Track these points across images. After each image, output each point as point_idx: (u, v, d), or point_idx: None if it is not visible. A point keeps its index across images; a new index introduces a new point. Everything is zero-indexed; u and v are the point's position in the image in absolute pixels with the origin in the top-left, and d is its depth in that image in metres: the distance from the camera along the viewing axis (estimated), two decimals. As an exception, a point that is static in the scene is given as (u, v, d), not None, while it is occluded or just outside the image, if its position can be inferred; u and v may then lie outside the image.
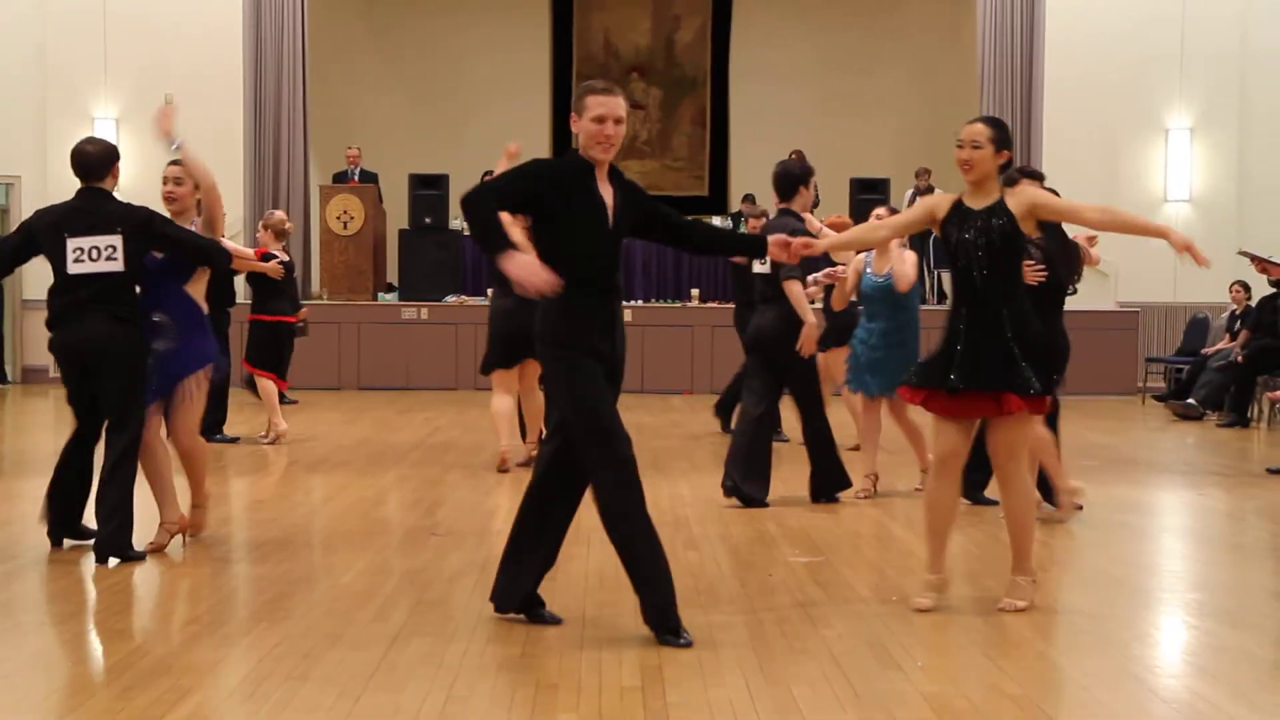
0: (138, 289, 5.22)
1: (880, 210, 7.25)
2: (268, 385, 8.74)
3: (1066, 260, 6.15)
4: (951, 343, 4.33)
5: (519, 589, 4.19)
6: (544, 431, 7.35)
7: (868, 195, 14.12)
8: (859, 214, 13.82)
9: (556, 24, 16.99)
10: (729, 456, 6.51)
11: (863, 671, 3.75)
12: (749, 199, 14.87)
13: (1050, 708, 3.47)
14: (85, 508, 5.31)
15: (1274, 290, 10.79)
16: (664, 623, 3.97)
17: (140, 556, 5.09)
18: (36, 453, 8.26)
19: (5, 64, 13.54)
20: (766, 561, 5.25)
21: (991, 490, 6.20)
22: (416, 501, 6.64)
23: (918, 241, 11.70)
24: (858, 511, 6.38)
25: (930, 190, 13.70)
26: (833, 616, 4.36)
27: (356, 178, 14.31)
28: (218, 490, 6.96)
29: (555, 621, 4.19)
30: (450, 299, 13.57)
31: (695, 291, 13.67)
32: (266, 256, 8.58)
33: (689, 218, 4.53)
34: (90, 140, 5.37)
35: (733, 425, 8.69)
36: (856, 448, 8.29)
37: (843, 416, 8.09)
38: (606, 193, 4.04)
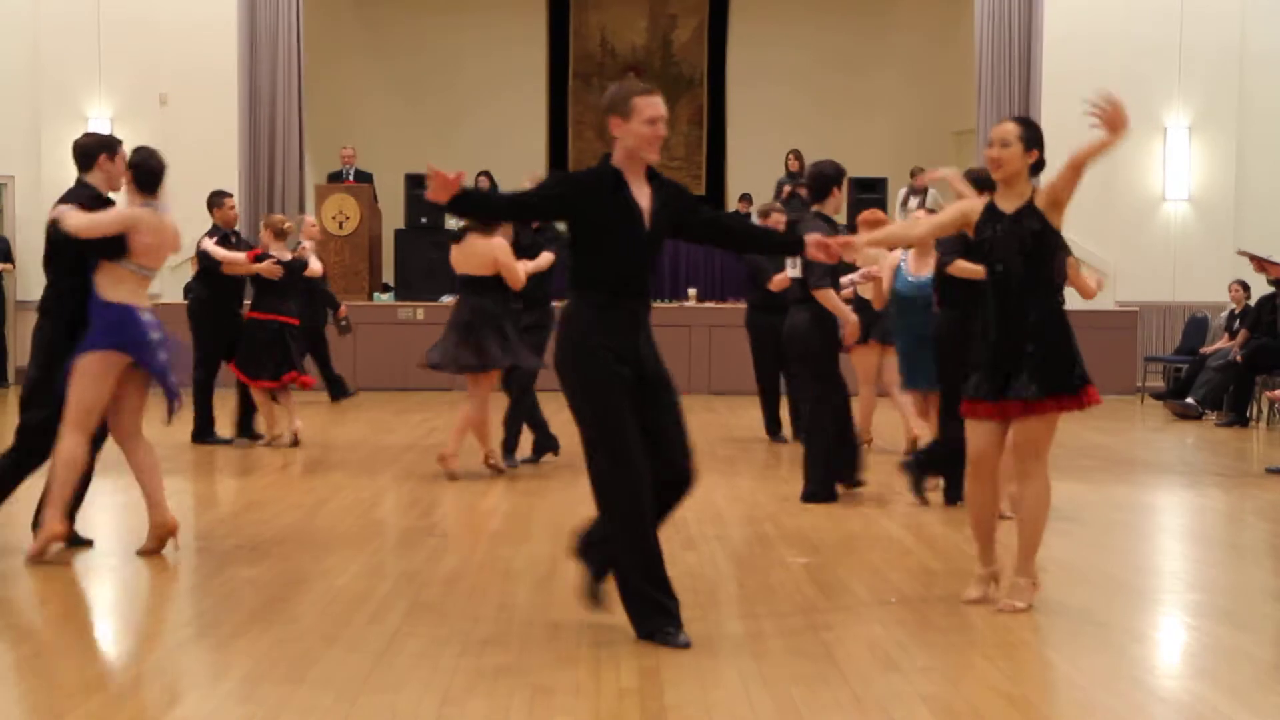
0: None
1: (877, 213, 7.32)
2: (259, 393, 8.62)
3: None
4: (987, 350, 4.35)
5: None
6: (490, 454, 7.32)
7: (865, 195, 14.11)
8: (857, 212, 13.82)
9: (553, 23, 16.98)
10: (810, 461, 6.55)
11: (861, 673, 3.73)
12: (745, 198, 14.87)
13: (1048, 709, 3.46)
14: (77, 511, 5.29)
15: (1273, 289, 10.78)
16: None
17: None
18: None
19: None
20: (765, 563, 5.23)
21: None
22: (412, 503, 6.63)
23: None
24: (856, 513, 6.37)
25: (925, 191, 13.69)
26: (831, 618, 4.35)
27: (351, 177, 14.30)
28: (211, 492, 6.95)
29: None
30: (446, 299, 13.54)
31: (693, 291, 13.64)
32: (261, 257, 8.54)
33: (729, 213, 4.46)
34: (86, 134, 5.40)
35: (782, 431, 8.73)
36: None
37: (887, 416, 8.17)
38: (643, 196, 4.01)
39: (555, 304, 7.86)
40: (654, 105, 3.98)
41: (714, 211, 4.33)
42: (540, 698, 3.49)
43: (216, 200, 8.78)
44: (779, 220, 8.87)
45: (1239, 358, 10.81)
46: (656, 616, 3.93)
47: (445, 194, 3.87)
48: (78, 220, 5.03)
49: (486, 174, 14.71)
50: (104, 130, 13.33)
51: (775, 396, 8.94)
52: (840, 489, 6.58)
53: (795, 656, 3.89)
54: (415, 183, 14.54)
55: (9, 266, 13.01)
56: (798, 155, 14.49)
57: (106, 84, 13.48)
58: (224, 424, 8.84)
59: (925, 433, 7.62)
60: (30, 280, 13.24)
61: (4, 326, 13.29)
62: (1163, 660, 4.11)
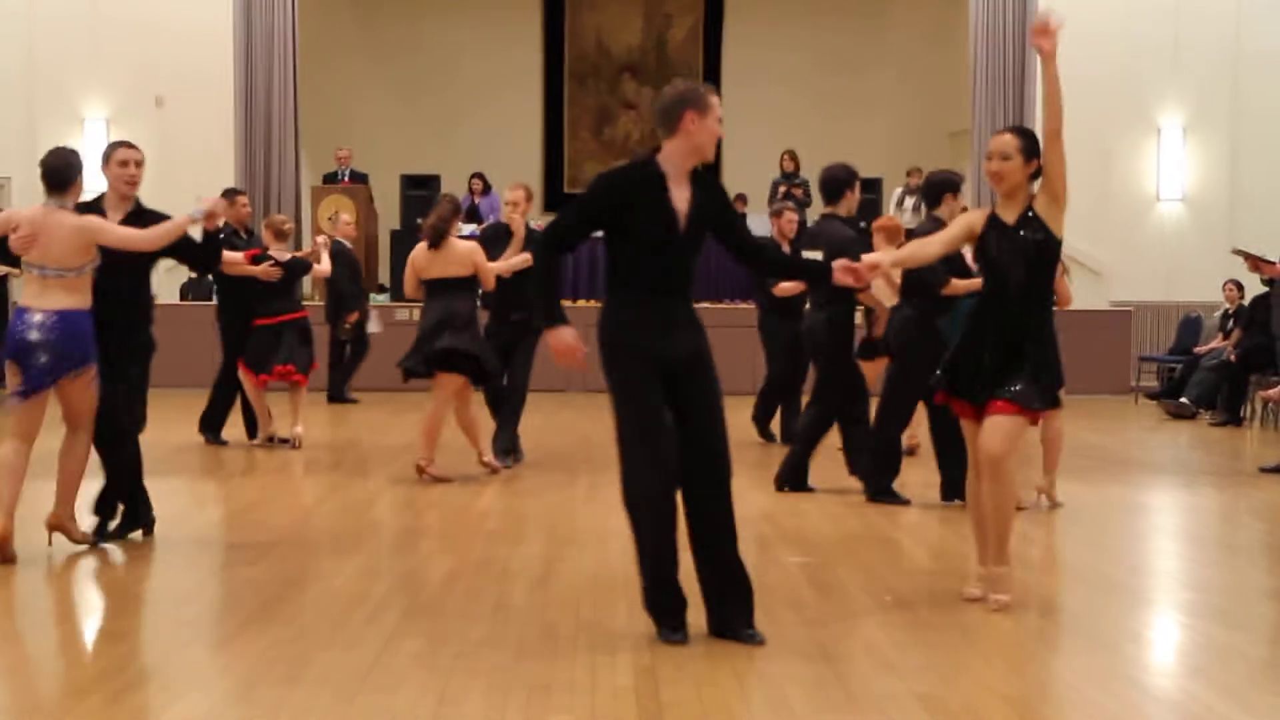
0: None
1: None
2: (252, 388, 8.61)
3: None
4: (978, 351, 4.38)
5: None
6: (483, 452, 7.35)
7: (861, 195, 14.12)
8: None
9: (548, 23, 16.98)
10: (857, 462, 6.73)
11: (857, 672, 3.75)
12: (741, 198, 14.88)
13: (1043, 708, 3.48)
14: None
15: (1267, 289, 10.81)
16: (658, 607, 4.01)
17: None
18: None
19: (-5, 65, 13.51)
20: (762, 563, 5.24)
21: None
22: (409, 504, 6.63)
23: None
24: (853, 513, 6.38)
25: (920, 190, 13.71)
26: (827, 618, 4.36)
27: (347, 178, 14.29)
28: (209, 493, 6.95)
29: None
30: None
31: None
32: (260, 258, 8.52)
33: (762, 238, 4.40)
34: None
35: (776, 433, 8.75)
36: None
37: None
38: (682, 198, 3.99)
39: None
40: (719, 105, 4.02)
41: (747, 231, 4.27)
42: (537, 697, 3.50)
43: (229, 198, 8.78)
44: (791, 219, 8.96)
45: (1233, 357, 10.84)
46: (661, 616, 4.01)
47: (573, 353, 3.93)
48: None
49: (480, 176, 14.71)
50: (100, 133, 13.41)
51: (795, 397, 8.90)
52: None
53: (791, 656, 3.90)
54: (411, 183, 14.55)
55: (17, 271, 12.97)
56: (793, 155, 14.51)
57: (103, 85, 13.47)
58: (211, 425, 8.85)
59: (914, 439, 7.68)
60: (23, 280, 13.23)
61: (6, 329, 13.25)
62: (1158, 659, 4.12)
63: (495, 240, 7.54)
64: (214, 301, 9.10)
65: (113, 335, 5.24)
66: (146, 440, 5.57)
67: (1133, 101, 13.61)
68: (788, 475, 6.81)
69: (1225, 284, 12.01)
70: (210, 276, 9.15)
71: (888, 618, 4.35)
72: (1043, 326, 4.40)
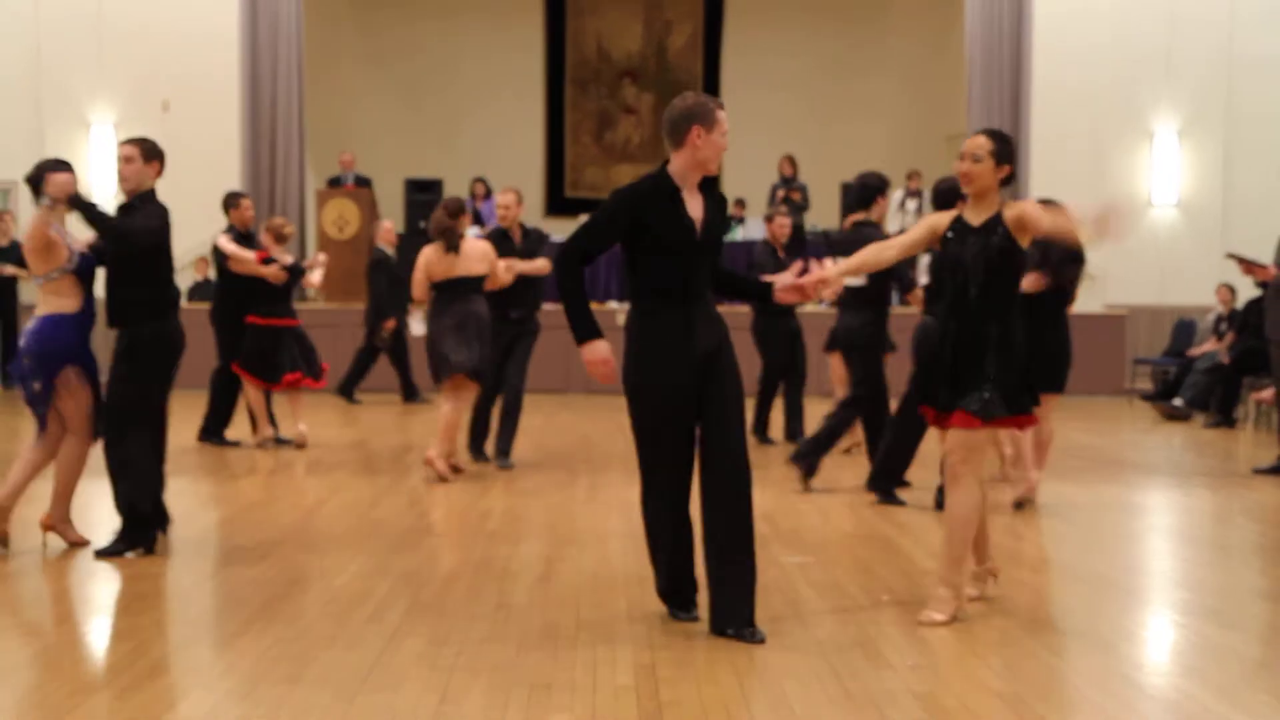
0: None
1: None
2: (255, 392, 8.66)
3: (1064, 264, 6.24)
4: (940, 359, 4.35)
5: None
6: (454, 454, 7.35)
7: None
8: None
9: (549, 29, 17.03)
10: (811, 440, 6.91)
11: (854, 670, 3.78)
12: (740, 203, 14.92)
13: (1039, 706, 3.50)
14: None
15: (1260, 292, 10.87)
16: (671, 598, 4.29)
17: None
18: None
19: (1, 69, 13.53)
20: (760, 562, 5.26)
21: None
22: (411, 504, 6.67)
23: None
24: (850, 513, 6.42)
25: (919, 193, 13.77)
26: (824, 616, 4.40)
27: (351, 182, 14.33)
28: (211, 493, 6.98)
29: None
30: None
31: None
32: (268, 260, 8.58)
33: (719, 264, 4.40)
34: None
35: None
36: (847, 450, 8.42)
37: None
38: (696, 207, 4.13)
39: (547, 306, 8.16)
40: (726, 118, 4.16)
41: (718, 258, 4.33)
42: (537, 695, 3.53)
43: (232, 201, 8.82)
44: (784, 224, 9.08)
45: (1226, 360, 10.89)
46: (673, 594, 4.27)
47: (608, 366, 4.09)
48: None
49: (482, 180, 14.76)
50: (106, 137, 13.44)
51: (796, 396, 8.97)
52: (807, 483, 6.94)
53: (790, 654, 3.93)
54: (414, 187, 14.59)
55: (24, 272, 12.99)
56: (791, 160, 14.56)
57: (109, 90, 13.50)
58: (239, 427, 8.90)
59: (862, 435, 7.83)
60: (33, 285, 13.26)
61: (16, 331, 13.29)
62: (1152, 658, 4.15)
63: (497, 244, 7.62)
64: (208, 304, 9.16)
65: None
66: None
67: (1127, 107, 13.67)
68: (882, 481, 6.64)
69: (1219, 287, 12.06)
70: (214, 278, 9.18)
71: (885, 617, 4.38)
72: (1006, 333, 4.27)
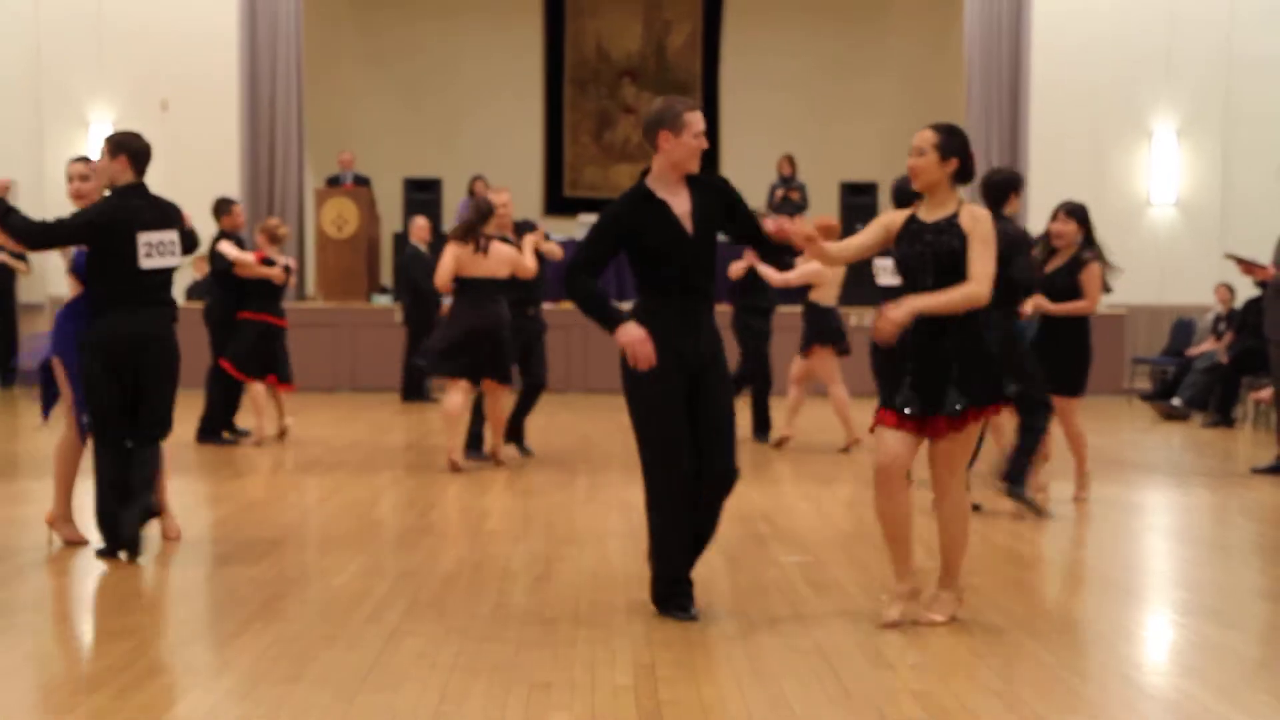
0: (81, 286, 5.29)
1: None
2: (255, 389, 8.72)
3: (1013, 260, 6.15)
4: (900, 359, 4.19)
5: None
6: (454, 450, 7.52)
7: (857, 198, 14.22)
8: (849, 216, 13.91)
9: (548, 28, 17.02)
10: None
11: (853, 670, 3.79)
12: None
13: (1038, 706, 3.50)
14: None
15: (1259, 292, 10.87)
16: (659, 596, 4.33)
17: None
18: (34, 455, 8.28)
19: (1, 68, 13.52)
20: (758, 562, 5.29)
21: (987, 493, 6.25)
22: (410, 503, 6.67)
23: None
24: (848, 512, 6.43)
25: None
26: (824, 615, 4.40)
27: (350, 182, 14.34)
28: (211, 492, 6.99)
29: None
30: (445, 302, 13.58)
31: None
32: (267, 261, 8.66)
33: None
34: (134, 134, 5.36)
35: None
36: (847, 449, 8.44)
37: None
38: (681, 204, 4.25)
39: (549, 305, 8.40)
40: (699, 120, 4.24)
41: (748, 217, 4.40)
42: (537, 695, 3.54)
43: (225, 208, 8.88)
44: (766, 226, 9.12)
45: (1225, 359, 10.89)
46: (672, 598, 4.30)
47: (645, 344, 4.10)
48: None
49: (481, 178, 14.76)
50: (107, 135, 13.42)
51: (765, 394, 9.01)
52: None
53: (788, 653, 3.94)
54: (413, 187, 14.59)
55: (23, 266, 12.97)
56: (790, 160, 14.56)
57: (108, 89, 13.50)
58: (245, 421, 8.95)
59: (860, 432, 7.78)
60: (34, 282, 13.26)
61: (15, 328, 13.28)
62: (1151, 658, 4.15)
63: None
64: (187, 301, 9.23)
65: None
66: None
67: (1126, 107, 13.67)
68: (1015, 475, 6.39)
69: (1217, 287, 12.07)
70: (210, 277, 9.21)
71: (883, 615, 4.38)
72: (966, 333, 4.12)
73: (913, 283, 4.20)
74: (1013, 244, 6.09)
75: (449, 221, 13.90)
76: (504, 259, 7.41)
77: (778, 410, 9.16)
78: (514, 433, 8.09)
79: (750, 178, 15.54)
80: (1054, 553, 5.67)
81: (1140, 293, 13.72)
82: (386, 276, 14.79)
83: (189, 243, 5.45)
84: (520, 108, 16.69)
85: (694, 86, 17.16)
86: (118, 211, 5.15)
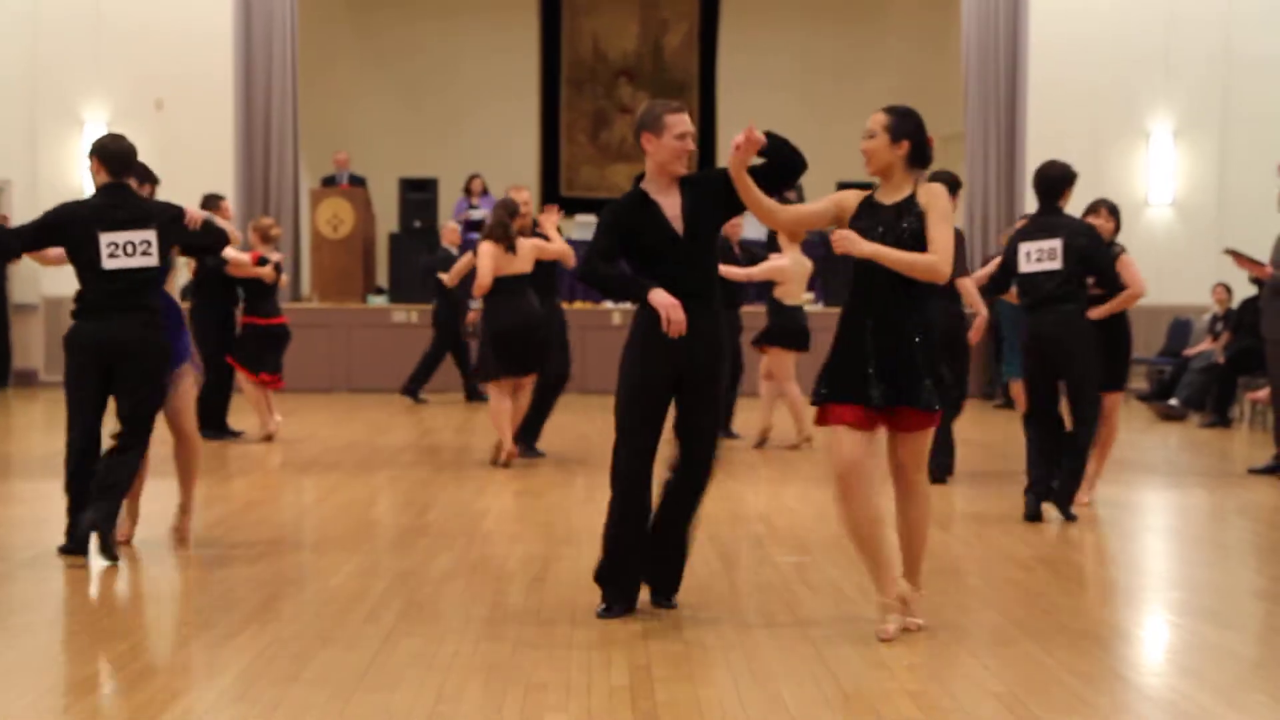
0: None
1: None
2: (253, 388, 8.77)
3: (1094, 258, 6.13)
4: (858, 352, 4.02)
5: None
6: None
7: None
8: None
9: (545, 28, 17.02)
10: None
11: (850, 670, 3.79)
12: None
13: (1035, 706, 3.51)
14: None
15: (1256, 291, 10.88)
16: (600, 575, 4.40)
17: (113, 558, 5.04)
18: (28, 455, 8.27)
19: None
20: (755, 562, 5.29)
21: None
22: (407, 503, 6.67)
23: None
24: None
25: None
26: (820, 616, 4.40)
27: (346, 182, 14.33)
28: (208, 492, 6.98)
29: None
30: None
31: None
32: (261, 260, 8.66)
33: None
34: (115, 136, 5.31)
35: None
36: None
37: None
38: (672, 205, 4.30)
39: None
40: (683, 122, 4.27)
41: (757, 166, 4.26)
42: (533, 695, 3.53)
43: (212, 203, 8.84)
44: (736, 223, 9.21)
45: (1222, 359, 10.90)
46: (610, 582, 4.36)
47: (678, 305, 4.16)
48: None
49: (479, 177, 14.76)
50: (101, 134, 13.41)
51: (732, 392, 9.02)
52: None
53: (785, 654, 3.94)
54: (409, 187, 14.59)
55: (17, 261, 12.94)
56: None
57: (103, 88, 13.48)
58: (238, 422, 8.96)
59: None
60: (27, 283, 13.24)
61: (7, 330, 13.26)
62: (1148, 658, 4.16)
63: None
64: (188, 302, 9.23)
65: None
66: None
67: (1123, 107, 13.68)
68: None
69: (1214, 287, 12.08)
70: (191, 276, 9.23)
71: (880, 616, 4.38)
72: (922, 323, 4.01)
73: (871, 268, 4.01)
74: (1084, 230, 6.12)
75: (445, 221, 13.91)
76: (527, 254, 7.55)
77: (751, 408, 9.16)
78: (530, 431, 8.09)
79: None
80: (1051, 552, 5.67)
81: (1137, 292, 13.72)
82: (382, 277, 14.79)
83: (208, 240, 5.37)
84: (516, 107, 16.69)
85: (691, 86, 17.16)
86: (75, 212, 5.09)
